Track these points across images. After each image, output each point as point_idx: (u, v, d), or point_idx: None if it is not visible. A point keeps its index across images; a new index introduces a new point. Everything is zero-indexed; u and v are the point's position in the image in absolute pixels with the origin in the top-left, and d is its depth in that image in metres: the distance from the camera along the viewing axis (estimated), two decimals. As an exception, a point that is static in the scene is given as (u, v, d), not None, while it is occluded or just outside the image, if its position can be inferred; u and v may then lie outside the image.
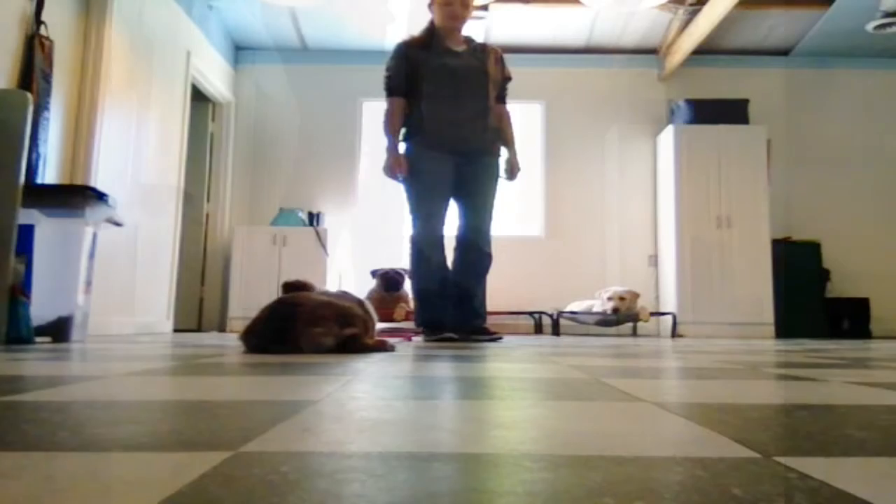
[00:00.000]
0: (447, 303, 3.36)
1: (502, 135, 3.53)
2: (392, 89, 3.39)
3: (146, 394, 0.94)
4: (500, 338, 3.42)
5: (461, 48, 3.44)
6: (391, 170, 3.34)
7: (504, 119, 3.56)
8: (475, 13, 3.50)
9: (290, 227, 5.62)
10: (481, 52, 3.48)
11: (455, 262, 3.42)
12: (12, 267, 2.34)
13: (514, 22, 5.77)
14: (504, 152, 3.55)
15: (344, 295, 2.34)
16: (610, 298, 5.22)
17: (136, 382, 1.09)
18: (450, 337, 3.26)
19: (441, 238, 3.36)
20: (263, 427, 0.66)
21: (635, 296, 5.30)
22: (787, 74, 6.31)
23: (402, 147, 3.40)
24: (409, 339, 3.45)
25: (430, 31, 3.44)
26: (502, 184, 3.52)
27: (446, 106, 3.34)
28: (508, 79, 3.58)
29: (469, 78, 3.38)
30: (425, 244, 3.33)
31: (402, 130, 3.40)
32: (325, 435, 0.62)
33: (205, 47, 5.41)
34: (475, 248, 3.38)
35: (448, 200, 3.40)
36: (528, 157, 5.78)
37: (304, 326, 2.00)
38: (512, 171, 3.54)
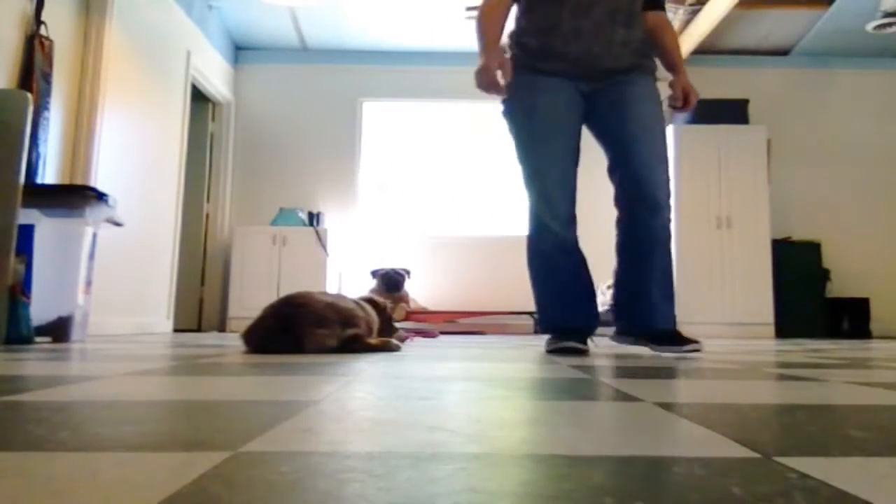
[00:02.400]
0: (579, 297, 2.35)
1: (660, 52, 2.39)
2: None
3: (146, 394, 0.94)
4: (699, 347, 2.16)
5: None
6: (486, 76, 2.13)
7: (665, 31, 2.39)
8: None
9: (290, 227, 5.62)
10: None
11: (619, 236, 2.38)
12: (12, 267, 2.34)
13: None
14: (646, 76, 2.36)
15: (339, 297, 2.35)
16: (610, 287, 5.19)
17: (136, 382, 1.09)
18: (574, 348, 2.20)
19: (571, 207, 2.34)
20: (263, 427, 0.66)
21: (635, 296, 5.27)
22: (787, 74, 6.31)
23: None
24: (412, 339, 3.45)
25: None
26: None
27: (566, 8, 2.23)
28: None
29: None
30: (548, 217, 2.29)
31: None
32: (325, 435, 0.62)
33: (205, 47, 5.41)
34: (647, 210, 2.24)
35: (577, 150, 2.38)
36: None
37: (307, 327, 2.00)
38: (687, 99, 2.29)
